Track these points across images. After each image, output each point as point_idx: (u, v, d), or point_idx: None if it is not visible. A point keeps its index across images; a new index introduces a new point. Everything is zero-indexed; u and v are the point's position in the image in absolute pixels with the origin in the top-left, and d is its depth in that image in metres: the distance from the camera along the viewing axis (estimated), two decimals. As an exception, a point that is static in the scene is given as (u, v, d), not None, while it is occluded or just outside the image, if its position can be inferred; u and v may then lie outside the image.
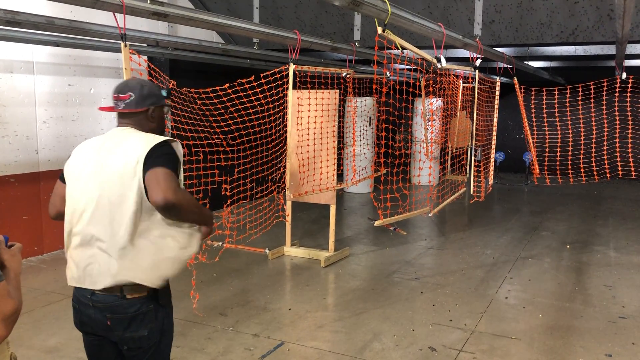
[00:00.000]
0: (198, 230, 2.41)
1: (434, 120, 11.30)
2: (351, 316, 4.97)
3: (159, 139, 2.35)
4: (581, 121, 9.59)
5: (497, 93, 7.44)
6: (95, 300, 2.34)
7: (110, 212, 2.30)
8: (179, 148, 2.40)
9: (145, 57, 6.94)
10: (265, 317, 4.92)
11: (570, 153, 9.15)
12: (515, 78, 7.52)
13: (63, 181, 2.46)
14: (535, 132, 9.12)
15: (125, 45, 4.06)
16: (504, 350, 4.32)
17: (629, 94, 8.16)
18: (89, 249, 2.35)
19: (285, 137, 6.85)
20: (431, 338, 4.52)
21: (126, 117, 2.46)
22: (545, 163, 10.25)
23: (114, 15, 3.92)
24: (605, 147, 9.41)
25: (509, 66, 7.50)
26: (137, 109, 2.43)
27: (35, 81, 6.61)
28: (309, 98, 6.59)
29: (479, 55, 6.24)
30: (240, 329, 4.66)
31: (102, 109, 2.61)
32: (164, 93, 2.51)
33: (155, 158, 2.28)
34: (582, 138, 9.38)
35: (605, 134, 9.90)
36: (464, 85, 10.34)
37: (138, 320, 2.35)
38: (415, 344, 4.41)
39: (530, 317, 4.99)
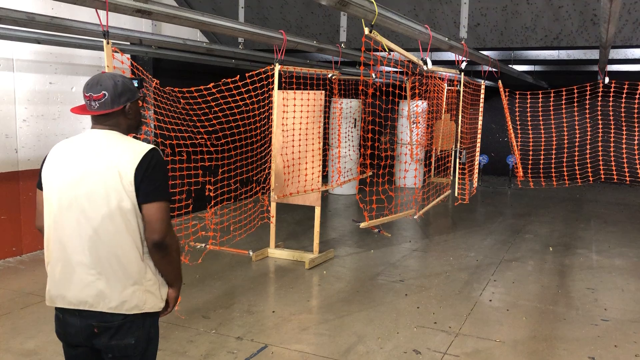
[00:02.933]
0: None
1: (419, 122, 11.33)
2: (335, 319, 4.94)
3: (145, 148, 2.27)
4: (564, 125, 9.68)
5: (482, 96, 7.48)
6: (81, 309, 2.28)
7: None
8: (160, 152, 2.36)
9: (128, 56, 6.86)
10: (248, 320, 4.86)
11: (553, 156, 9.23)
12: (499, 81, 7.56)
13: (41, 189, 2.35)
14: (519, 136, 9.18)
15: (108, 43, 3.99)
16: (488, 352, 4.32)
17: (611, 99, 8.25)
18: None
19: (270, 137, 6.80)
20: (415, 341, 4.50)
21: (102, 118, 2.32)
22: (529, 166, 10.32)
23: (97, 12, 3.85)
24: (588, 151, 9.52)
25: (493, 69, 7.54)
26: (112, 108, 2.29)
27: (15, 79, 6.49)
28: (295, 99, 6.55)
29: (464, 58, 6.25)
30: (223, 331, 4.60)
31: (74, 110, 2.39)
32: (136, 84, 2.41)
33: (152, 182, 2.23)
34: (566, 141, 9.46)
35: (588, 137, 10.01)
36: (449, 88, 10.39)
37: (125, 328, 2.28)
38: (399, 346, 4.39)
39: (514, 320, 5.00)
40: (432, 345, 4.42)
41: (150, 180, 2.22)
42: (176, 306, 4.84)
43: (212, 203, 6.65)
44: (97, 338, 2.29)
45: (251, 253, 6.72)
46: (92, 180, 2.23)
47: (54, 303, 2.32)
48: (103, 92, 2.27)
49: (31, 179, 6.60)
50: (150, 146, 2.30)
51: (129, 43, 6.85)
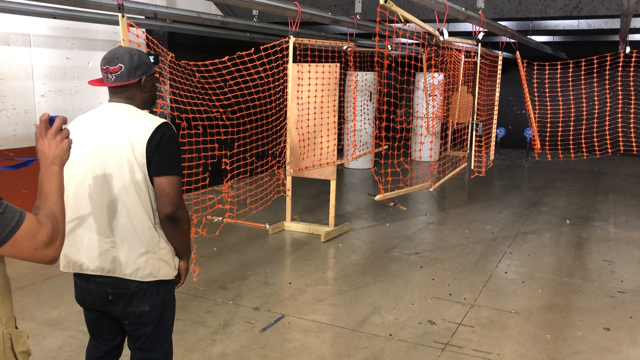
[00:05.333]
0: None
1: (436, 95, 11.22)
2: (351, 290, 5.00)
3: (157, 121, 2.32)
4: (583, 96, 9.53)
5: (499, 68, 7.37)
6: (96, 275, 2.35)
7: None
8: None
9: (143, 30, 6.85)
10: (265, 291, 4.94)
11: (571, 128, 9.11)
12: (517, 52, 7.44)
13: None
14: (537, 108, 9.06)
15: (123, 16, 4.00)
16: (503, 323, 4.35)
17: (632, 69, 8.09)
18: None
19: (286, 111, 6.80)
20: (430, 312, 4.55)
21: (118, 90, 2.38)
22: (547, 138, 10.21)
23: (111, -15, 3.85)
24: (607, 123, 9.38)
25: (511, 40, 7.41)
26: (128, 80, 2.34)
27: (33, 54, 6.54)
28: (309, 72, 6.53)
29: (481, 29, 6.16)
30: (241, 302, 4.69)
31: (91, 82, 2.47)
32: (152, 59, 2.46)
33: (164, 156, 2.27)
34: (584, 113, 9.33)
35: (608, 109, 9.85)
36: (466, 59, 10.24)
37: (139, 295, 2.35)
38: (414, 317, 4.44)
39: (530, 292, 5.02)
40: (447, 316, 4.46)
41: (162, 154, 2.27)
42: (194, 277, 4.93)
43: (229, 177, 6.70)
44: (112, 305, 2.37)
45: (267, 226, 6.79)
46: (106, 152, 2.29)
47: (69, 269, 2.40)
48: (119, 64, 2.32)
49: (50, 153, 6.68)
50: (163, 120, 2.34)
51: (143, 17, 6.84)
